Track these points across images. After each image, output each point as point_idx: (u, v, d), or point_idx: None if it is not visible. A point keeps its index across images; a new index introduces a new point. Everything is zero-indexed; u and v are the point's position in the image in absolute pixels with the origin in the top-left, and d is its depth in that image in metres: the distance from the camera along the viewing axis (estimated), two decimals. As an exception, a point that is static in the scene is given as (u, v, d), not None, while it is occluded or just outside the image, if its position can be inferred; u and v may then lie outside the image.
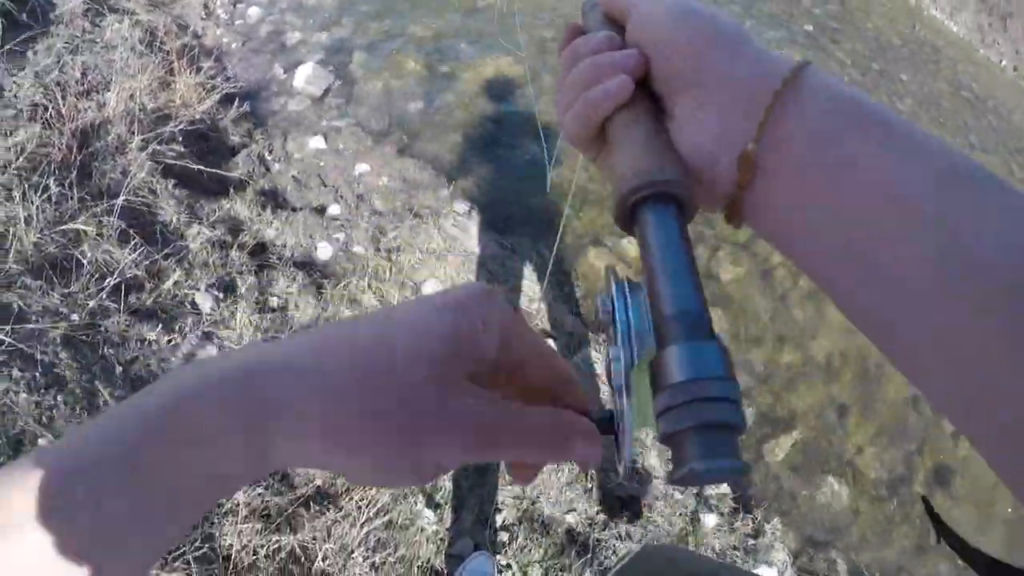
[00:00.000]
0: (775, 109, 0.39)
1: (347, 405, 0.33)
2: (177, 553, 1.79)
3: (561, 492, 2.55)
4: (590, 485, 2.64)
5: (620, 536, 2.51)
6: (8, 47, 2.89)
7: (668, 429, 0.32)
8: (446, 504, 2.37)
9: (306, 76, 4.32)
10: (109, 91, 3.04)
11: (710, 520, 2.70)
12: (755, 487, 3.01)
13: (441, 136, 4.22)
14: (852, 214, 0.36)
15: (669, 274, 0.36)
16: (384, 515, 2.22)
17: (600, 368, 3.05)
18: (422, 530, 2.25)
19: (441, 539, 2.28)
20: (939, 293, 0.33)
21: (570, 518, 2.50)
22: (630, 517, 2.61)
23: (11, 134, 2.64)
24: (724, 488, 2.79)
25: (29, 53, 2.98)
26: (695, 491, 2.71)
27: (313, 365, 0.34)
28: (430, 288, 3.15)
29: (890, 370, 3.19)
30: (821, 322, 3.61)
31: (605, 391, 2.91)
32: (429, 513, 2.30)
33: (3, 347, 2.03)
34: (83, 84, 3.04)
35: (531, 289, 3.31)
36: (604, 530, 2.53)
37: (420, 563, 2.18)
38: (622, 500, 2.66)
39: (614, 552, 2.42)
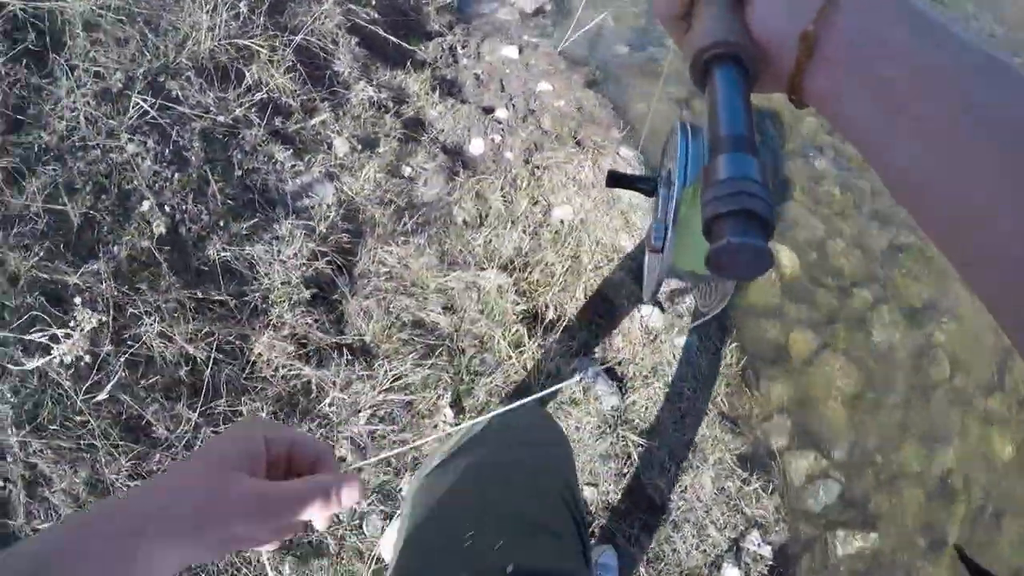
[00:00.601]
0: None
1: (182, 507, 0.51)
2: (210, 339, 1.88)
3: (591, 461, 2.37)
4: (626, 471, 2.43)
5: (631, 530, 2.31)
6: None
7: (712, 212, 0.38)
8: (469, 413, 2.30)
9: (523, -13, 4.30)
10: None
11: (730, 573, 2.37)
12: (801, 566, 2.62)
13: (635, 83, 4.05)
14: (892, 86, 0.40)
15: (728, 110, 0.42)
16: (408, 394, 2.19)
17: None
18: (436, 426, 2.20)
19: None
20: (956, 136, 0.38)
21: (587, 492, 2.33)
22: (649, 517, 2.38)
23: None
24: (764, 551, 2.44)
25: None
26: (731, 538, 2.40)
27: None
28: (558, 214, 3.05)
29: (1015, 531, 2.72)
30: (959, 435, 3.00)
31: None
32: (449, 413, 2.24)
33: (148, 117, 2.20)
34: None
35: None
36: (619, 519, 2.34)
37: (417, 454, 2.14)
38: (651, 500, 2.43)
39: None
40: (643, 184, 0.62)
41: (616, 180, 0.63)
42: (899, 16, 0.41)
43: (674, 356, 2.64)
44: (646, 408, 2.49)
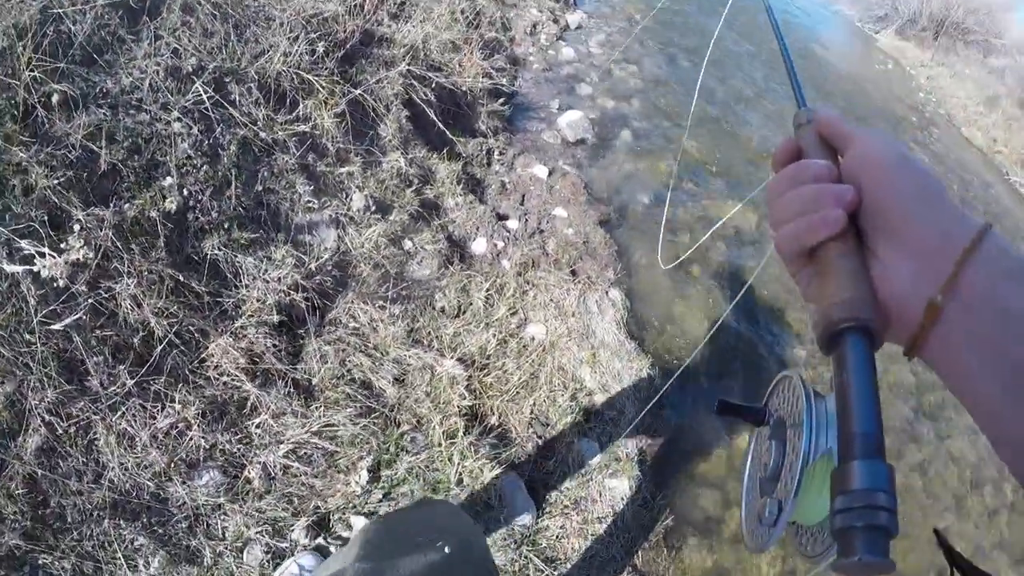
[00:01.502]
0: (961, 267, 0.44)
1: None
2: (173, 321, 1.92)
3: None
4: None
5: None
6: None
7: (844, 524, 0.40)
8: (383, 483, 2.32)
9: (570, 120, 4.62)
10: (409, 23, 3.44)
11: None
12: None
13: (645, 237, 4.28)
14: (1014, 360, 0.42)
15: (859, 397, 0.44)
16: (334, 444, 2.23)
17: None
18: (348, 484, 2.22)
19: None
20: None
21: None
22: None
23: (324, 2, 3.07)
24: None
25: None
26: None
27: None
28: (532, 330, 3.16)
29: None
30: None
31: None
32: (365, 476, 2.26)
33: (202, 106, 2.34)
34: (398, 7, 3.48)
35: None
36: None
37: (320, 505, 2.15)
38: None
39: None
40: (751, 415, 0.63)
41: (726, 408, 0.63)
42: (1019, 283, 0.43)
43: (600, 495, 2.68)
44: (558, 537, 2.50)
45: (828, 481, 0.43)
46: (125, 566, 1.75)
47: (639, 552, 2.67)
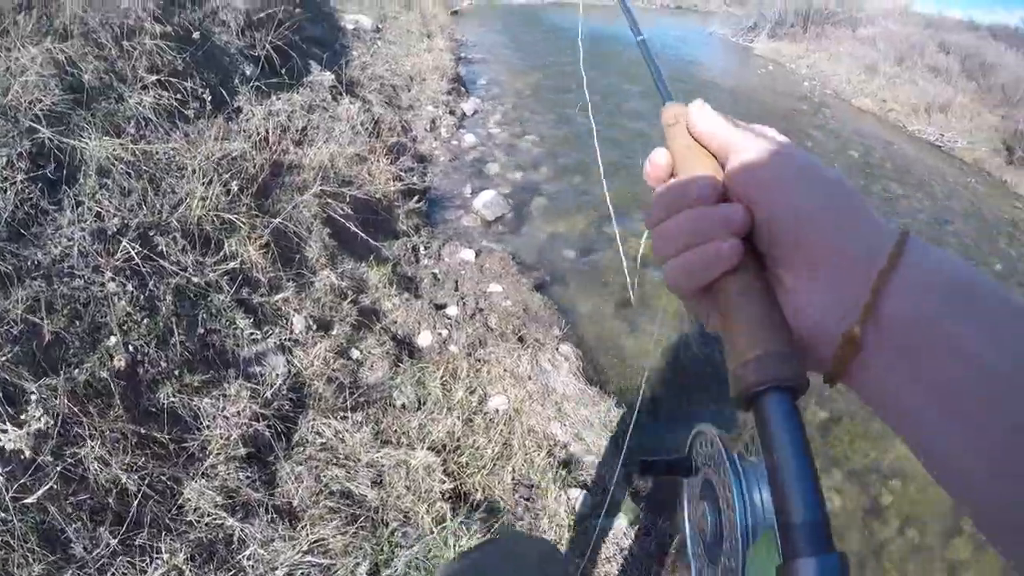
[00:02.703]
0: (878, 293, 0.40)
1: None
2: (144, 473, 1.94)
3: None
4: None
5: None
6: (258, 85, 3.60)
7: None
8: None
9: (485, 201, 4.85)
10: (314, 146, 3.63)
11: None
12: None
13: (580, 288, 4.46)
14: (942, 388, 0.38)
15: (794, 478, 0.38)
16: (328, 558, 2.24)
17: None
18: None
19: None
20: (1001, 465, 0.36)
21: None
22: None
23: (229, 141, 3.23)
24: None
25: (273, 96, 3.70)
26: None
27: None
28: (494, 403, 3.25)
29: None
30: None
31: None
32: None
33: (132, 263, 2.42)
34: (300, 134, 3.67)
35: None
36: None
37: None
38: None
39: None
40: (677, 467, 0.60)
41: (648, 467, 0.60)
42: (949, 305, 0.39)
43: (604, 536, 2.72)
44: (565, 593, 2.53)
45: (773, 550, 0.41)
46: None
47: (655, 577, 2.71)
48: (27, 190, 2.33)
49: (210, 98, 3.40)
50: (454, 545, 2.43)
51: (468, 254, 4.42)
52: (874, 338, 0.40)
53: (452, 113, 6.70)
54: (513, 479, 2.85)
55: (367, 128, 4.32)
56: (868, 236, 0.42)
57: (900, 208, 7.06)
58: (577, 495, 2.84)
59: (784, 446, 0.39)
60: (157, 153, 2.96)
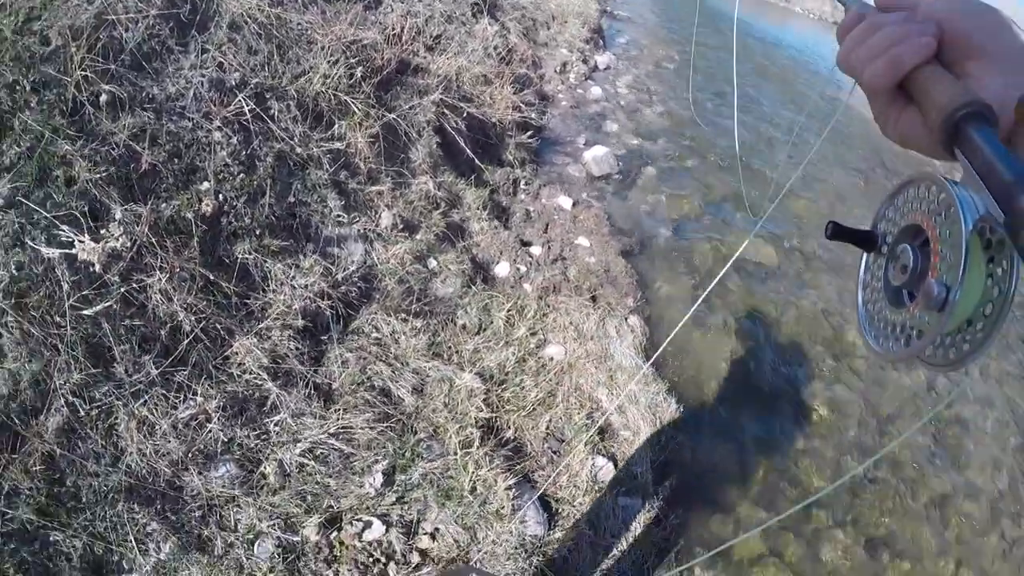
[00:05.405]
0: None
1: None
2: (201, 317, 2.00)
3: None
4: None
5: None
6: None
7: None
8: (396, 487, 2.34)
9: (596, 155, 4.72)
10: (444, 55, 3.59)
11: None
12: None
13: (665, 268, 4.33)
14: None
15: (1000, 158, 0.45)
16: (351, 447, 2.27)
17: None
18: (362, 486, 2.26)
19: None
20: None
21: None
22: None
23: (364, 28, 3.23)
24: None
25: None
26: None
27: None
28: (551, 351, 3.20)
29: None
30: None
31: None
32: (380, 479, 2.29)
33: (242, 118, 2.47)
34: (433, 40, 3.63)
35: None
36: None
37: (335, 505, 2.18)
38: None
39: None
40: (865, 239, 0.65)
41: (838, 231, 0.63)
42: None
43: (613, 512, 2.68)
44: (569, 550, 2.50)
45: (982, 256, 0.47)
46: (136, 549, 1.80)
47: (649, 570, 2.65)
48: (157, 26, 2.38)
49: (356, -19, 3.40)
50: (472, 472, 2.43)
51: (566, 201, 4.34)
52: None
53: (585, 62, 6.53)
54: (547, 429, 2.82)
55: (499, 53, 4.25)
56: None
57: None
58: (603, 464, 2.79)
59: (987, 143, 0.47)
60: (291, 22, 2.98)
